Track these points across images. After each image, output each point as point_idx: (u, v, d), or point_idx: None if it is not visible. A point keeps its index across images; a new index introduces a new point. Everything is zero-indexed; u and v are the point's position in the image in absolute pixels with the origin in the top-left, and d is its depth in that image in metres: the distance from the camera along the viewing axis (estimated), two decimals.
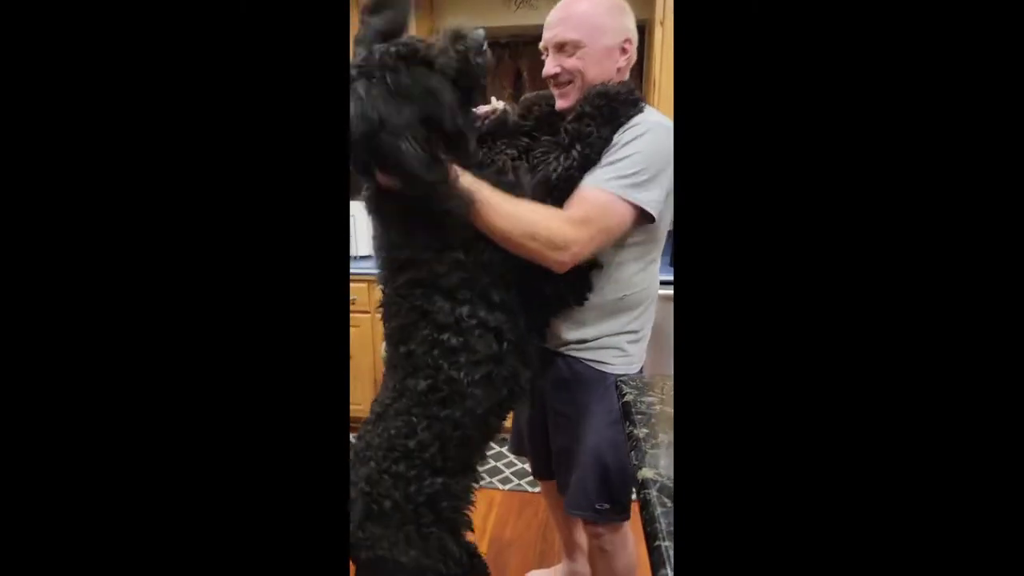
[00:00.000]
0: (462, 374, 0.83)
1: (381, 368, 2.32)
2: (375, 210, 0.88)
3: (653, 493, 0.55)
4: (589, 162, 0.89)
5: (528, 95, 1.05)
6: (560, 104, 0.98)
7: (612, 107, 0.90)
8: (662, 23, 2.09)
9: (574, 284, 0.95)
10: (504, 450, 2.27)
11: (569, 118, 0.93)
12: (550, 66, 0.96)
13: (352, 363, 2.35)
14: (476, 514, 1.83)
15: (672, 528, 0.49)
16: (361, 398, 2.36)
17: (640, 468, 0.60)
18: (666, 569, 0.44)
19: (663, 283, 1.97)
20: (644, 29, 2.44)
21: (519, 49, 2.56)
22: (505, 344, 0.87)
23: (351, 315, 2.31)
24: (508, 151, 0.95)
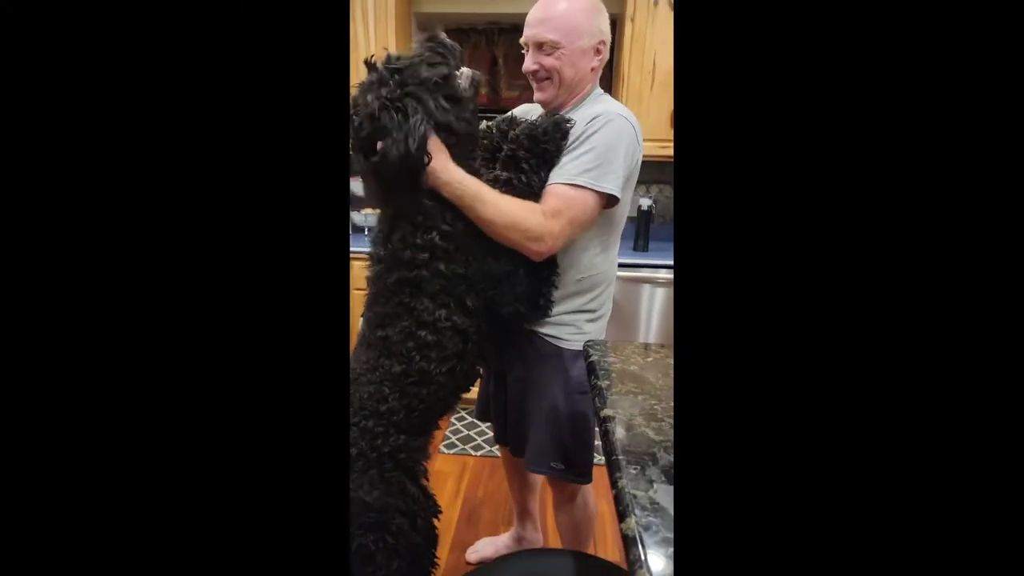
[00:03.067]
0: (432, 366, 0.97)
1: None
2: (391, 215, 1.00)
3: (614, 425, 0.69)
4: (533, 191, 1.01)
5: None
6: (538, 96, 1.09)
7: (543, 149, 1.01)
8: (632, 19, 2.22)
9: (534, 303, 1.08)
10: (475, 419, 2.41)
11: (504, 155, 1.03)
12: (529, 63, 1.06)
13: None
14: (451, 477, 2.01)
15: (626, 449, 0.63)
16: None
17: (603, 408, 0.74)
18: (620, 473, 0.58)
19: (623, 266, 2.13)
20: (615, 24, 2.55)
21: (495, 36, 2.64)
22: (470, 344, 1.01)
23: (360, 292, 2.38)
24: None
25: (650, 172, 2.55)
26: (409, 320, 0.96)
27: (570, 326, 1.14)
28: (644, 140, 1.08)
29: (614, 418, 0.70)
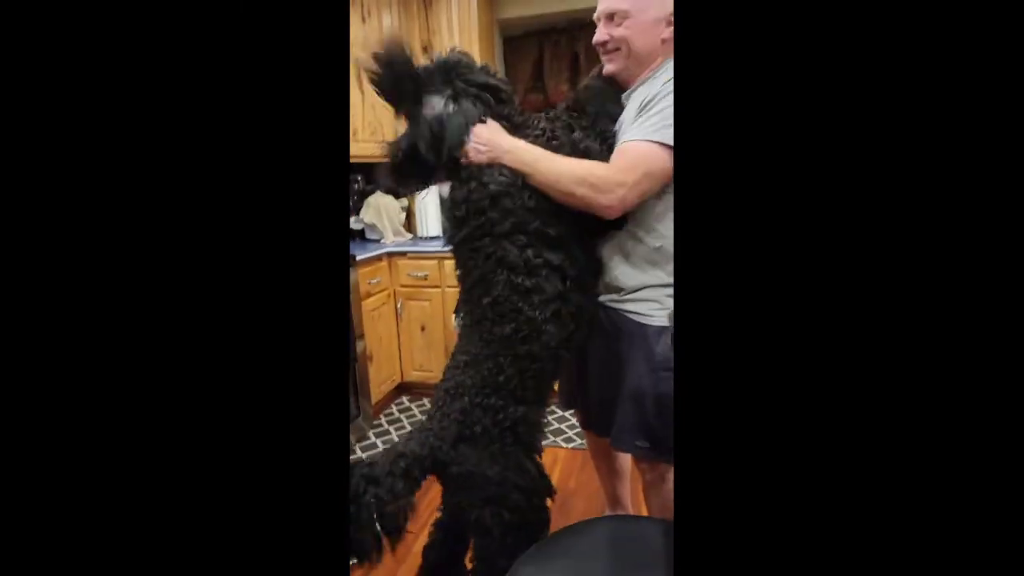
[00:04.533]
0: (537, 313, 0.98)
1: (452, 338, 2.51)
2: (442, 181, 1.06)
3: None
4: (577, 149, 1.02)
5: (551, 112, 1.18)
6: (608, 68, 1.09)
7: (581, 106, 1.06)
8: None
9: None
10: (567, 414, 2.41)
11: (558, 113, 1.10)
12: (599, 34, 1.07)
13: (424, 333, 2.57)
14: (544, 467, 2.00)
15: None
16: (434, 366, 2.56)
17: None
18: None
19: None
20: None
21: (575, 33, 2.67)
22: (568, 282, 1.01)
23: (424, 289, 2.53)
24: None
25: None
26: (505, 272, 0.98)
27: (653, 301, 1.11)
28: None
29: None
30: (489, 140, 1.00)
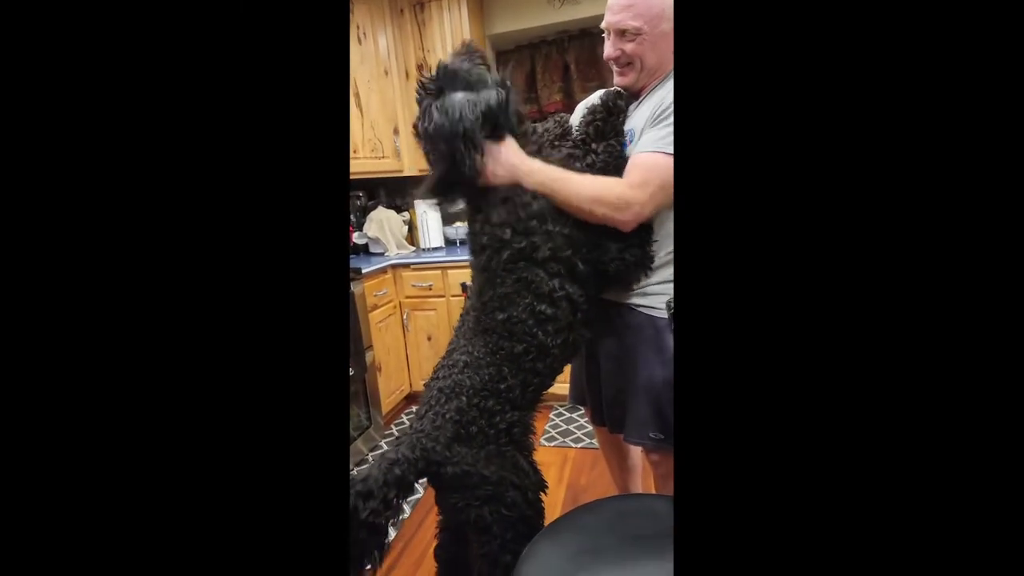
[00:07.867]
0: (549, 339, 1.02)
1: None
2: (473, 199, 1.06)
3: None
4: (594, 167, 1.03)
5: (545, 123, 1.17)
6: (619, 81, 1.09)
7: (596, 125, 1.06)
8: None
9: (638, 260, 1.09)
10: (575, 415, 2.44)
11: (575, 136, 1.10)
12: (611, 49, 1.06)
13: (431, 342, 2.61)
14: (555, 466, 2.05)
15: None
16: None
17: None
18: None
19: None
20: None
21: (565, 44, 2.74)
22: (579, 314, 1.05)
23: (429, 299, 2.58)
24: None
25: None
26: (530, 296, 1.00)
27: (662, 295, 1.14)
28: None
29: None
30: (508, 161, 1.00)
